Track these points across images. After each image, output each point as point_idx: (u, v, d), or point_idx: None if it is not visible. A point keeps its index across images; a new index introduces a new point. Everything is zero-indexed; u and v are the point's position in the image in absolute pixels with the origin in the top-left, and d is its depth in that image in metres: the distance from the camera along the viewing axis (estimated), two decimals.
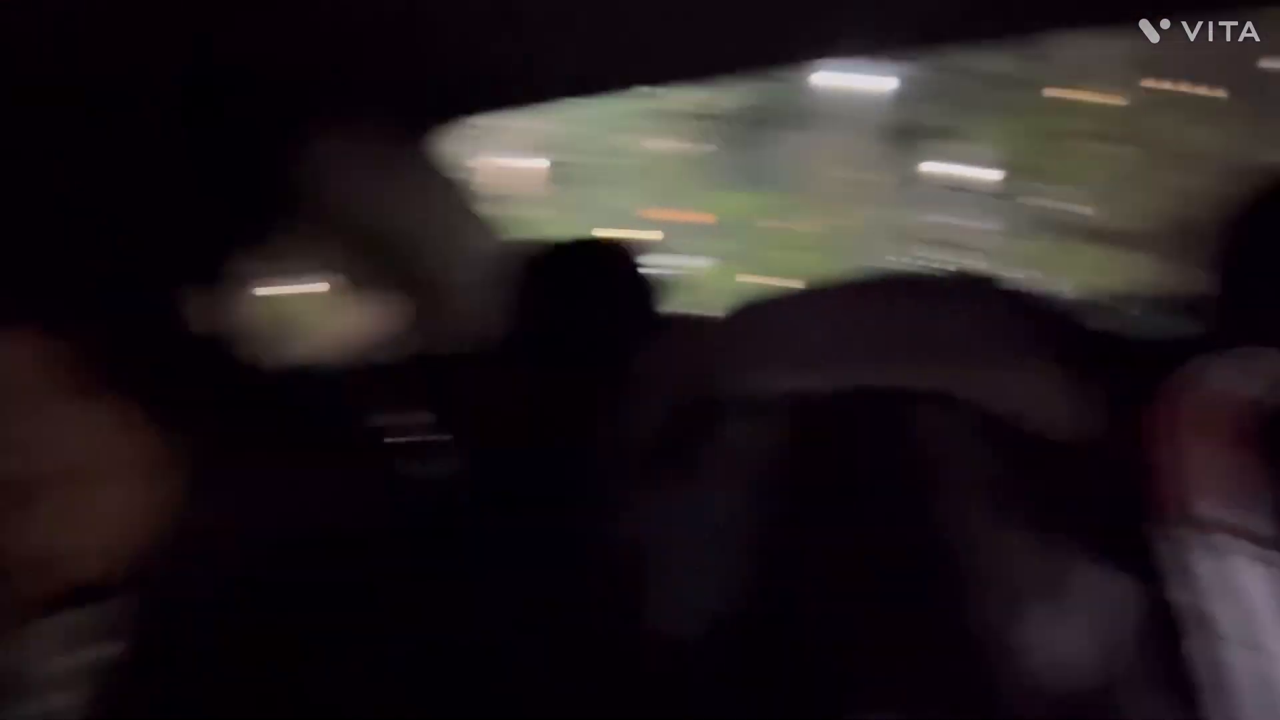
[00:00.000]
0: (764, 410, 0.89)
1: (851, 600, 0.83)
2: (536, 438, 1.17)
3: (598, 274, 1.27)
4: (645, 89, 1.47)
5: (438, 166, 1.55)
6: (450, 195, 1.58)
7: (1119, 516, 0.76)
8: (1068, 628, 0.77)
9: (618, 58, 1.26)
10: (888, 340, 0.88)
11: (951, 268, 1.83)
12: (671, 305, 1.28)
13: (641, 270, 1.28)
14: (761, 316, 0.95)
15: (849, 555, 0.85)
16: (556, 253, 1.32)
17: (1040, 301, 0.89)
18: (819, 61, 1.40)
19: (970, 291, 0.92)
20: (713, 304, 1.01)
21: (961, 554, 0.80)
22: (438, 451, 1.19)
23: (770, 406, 0.89)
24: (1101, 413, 0.82)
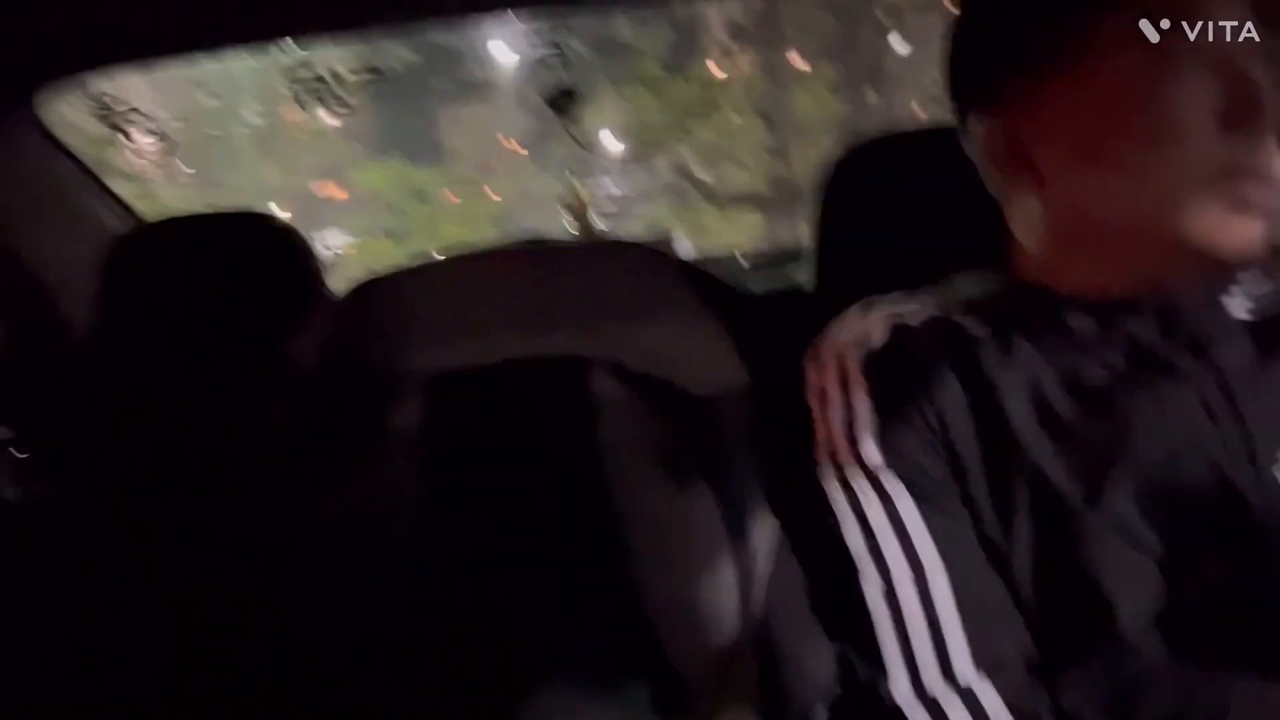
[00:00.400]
0: (421, 389, 0.87)
1: (519, 571, 0.84)
2: (169, 433, 1.07)
3: (236, 253, 1.18)
4: (278, 46, 1.34)
5: (37, 138, 1.35)
6: (57, 172, 1.39)
7: (789, 467, 0.80)
8: (728, 581, 0.81)
9: (246, 6, 1.16)
10: (538, 309, 0.90)
11: (599, 233, 1.89)
12: (317, 286, 1.21)
13: (286, 249, 1.20)
14: (410, 292, 0.93)
15: (517, 527, 0.85)
16: (187, 232, 1.21)
17: (684, 263, 0.94)
18: (460, 19, 1.35)
19: (616, 255, 0.95)
20: (364, 281, 0.97)
21: (624, 516, 0.83)
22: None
23: (427, 385, 0.87)
24: (758, 366, 0.88)
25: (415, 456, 0.87)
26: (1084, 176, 0.71)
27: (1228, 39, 0.65)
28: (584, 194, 1.87)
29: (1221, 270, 0.70)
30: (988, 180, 0.78)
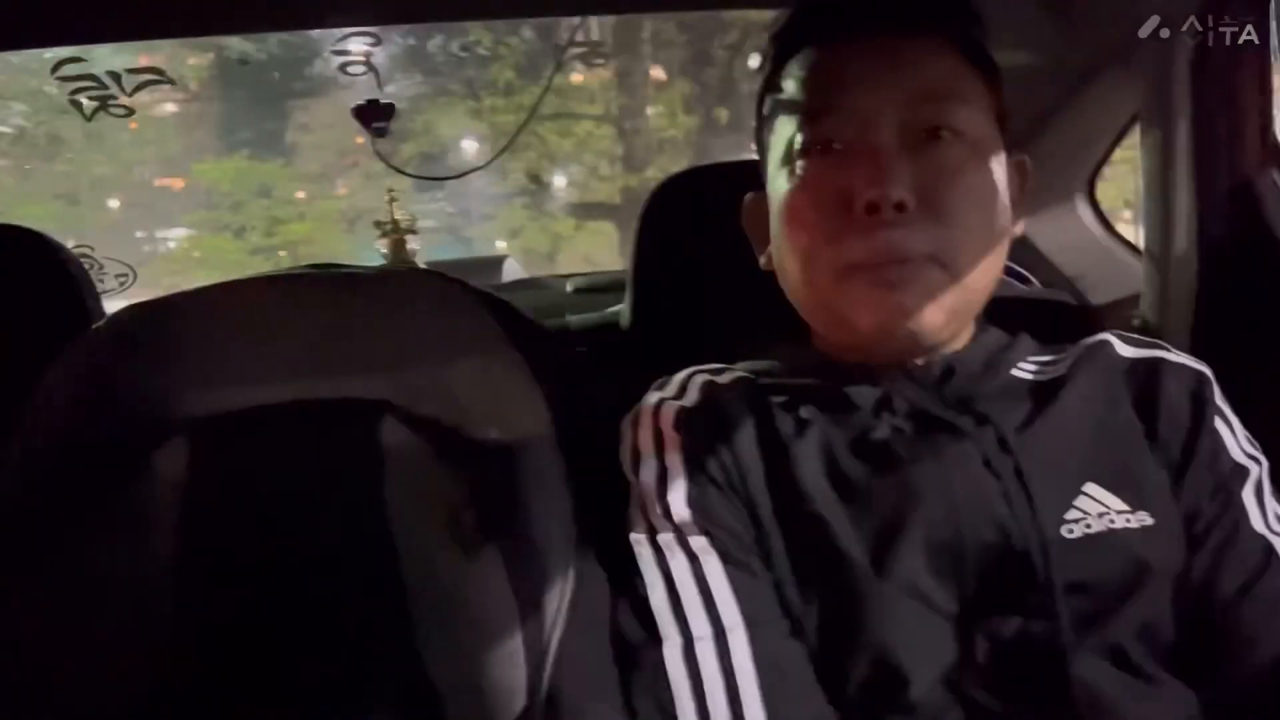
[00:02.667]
0: (185, 433, 0.78)
1: (291, 641, 0.76)
2: None
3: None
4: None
5: None
6: None
7: (596, 525, 0.79)
8: (516, 651, 0.76)
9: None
10: (320, 344, 0.82)
11: (411, 255, 1.80)
12: (82, 311, 1.09)
13: (47, 267, 1.08)
14: (178, 322, 0.83)
15: (291, 591, 0.78)
16: None
17: (487, 297, 0.88)
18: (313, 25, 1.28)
19: (411, 286, 0.89)
20: (192, 278, 0.87)
21: (408, 580, 0.76)
22: None
23: (190, 428, 0.78)
24: (570, 416, 0.83)
25: (176, 510, 0.78)
26: (778, 257, 0.79)
27: (866, 131, 0.71)
28: (399, 213, 1.78)
29: (904, 339, 0.73)
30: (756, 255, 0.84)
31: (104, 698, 0.74)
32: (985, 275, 0.73)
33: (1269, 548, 0.72)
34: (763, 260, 0.82)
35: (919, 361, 0.75)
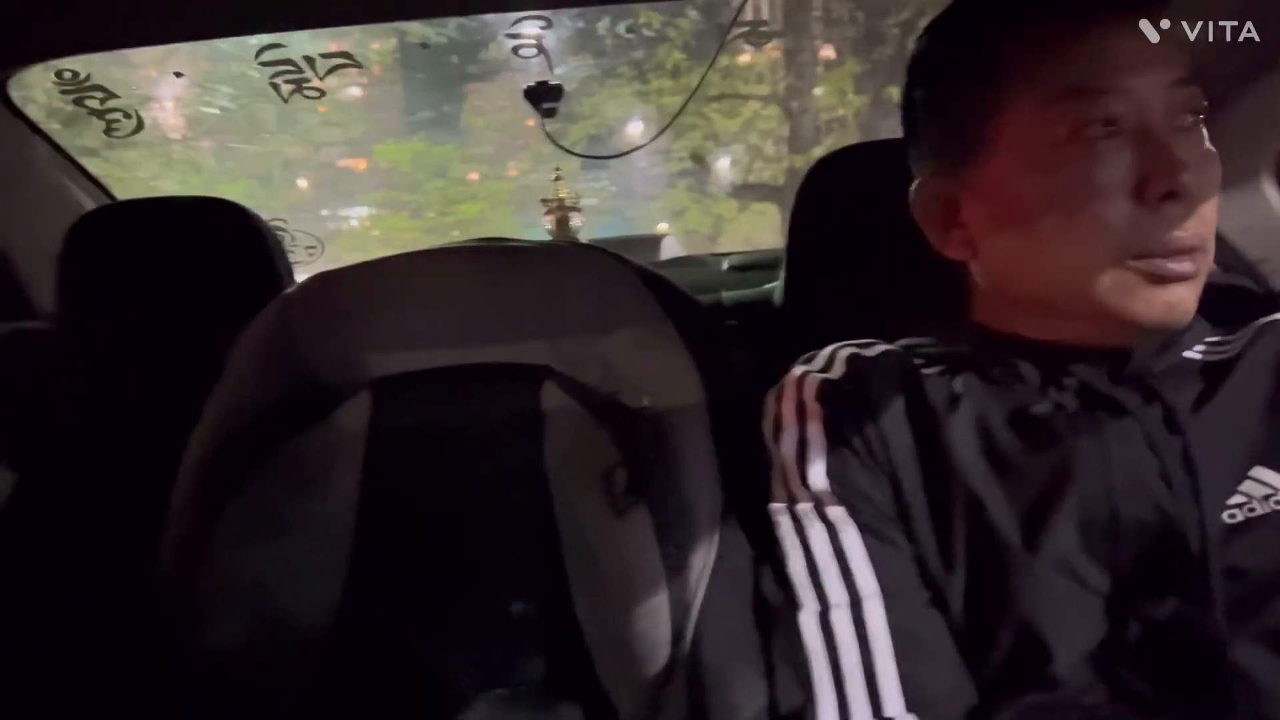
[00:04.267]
0: (365, 391, 0.85)
1: (452, 585, 0.82)
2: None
3: (197, 237, 1.16)
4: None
5: (8, 117, 1.33)
6: (30, 151, 1.37)
7: (741, 492, 0.81)
8: (662, 608, 0.79)
9: None
10: (483, 313, 0.88)
11: (574, 232, 1.85)
12: (277, 275, 1.19)
13: (247, 235, 1.18)
14: (357, 289, 0.90)
15: (453, 540, 0.83)
16: (147, 216, 1.19)
17: (643, 271, 0.91)
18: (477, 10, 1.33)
19: (569, 260, 0.93)
20: (371, 255, 0.96)
21: (562, 535, 0.81)
22: None
23: (369, 387, 0.85)
24: (720, 388, 0.86)
25: (357, 460, 0.85)
26: (1008, 245, 0.73)
27: (1141, 112, 0.67)
28: (564, 191, 1.83)
29: (1162, 333, 0.70)
30: (930, 238, 0.80)
31: (289, 614, 0.82)
32: None
33: None
34: (950, 249, 0.79)
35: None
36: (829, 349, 0.82)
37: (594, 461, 0.83)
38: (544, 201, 1.85)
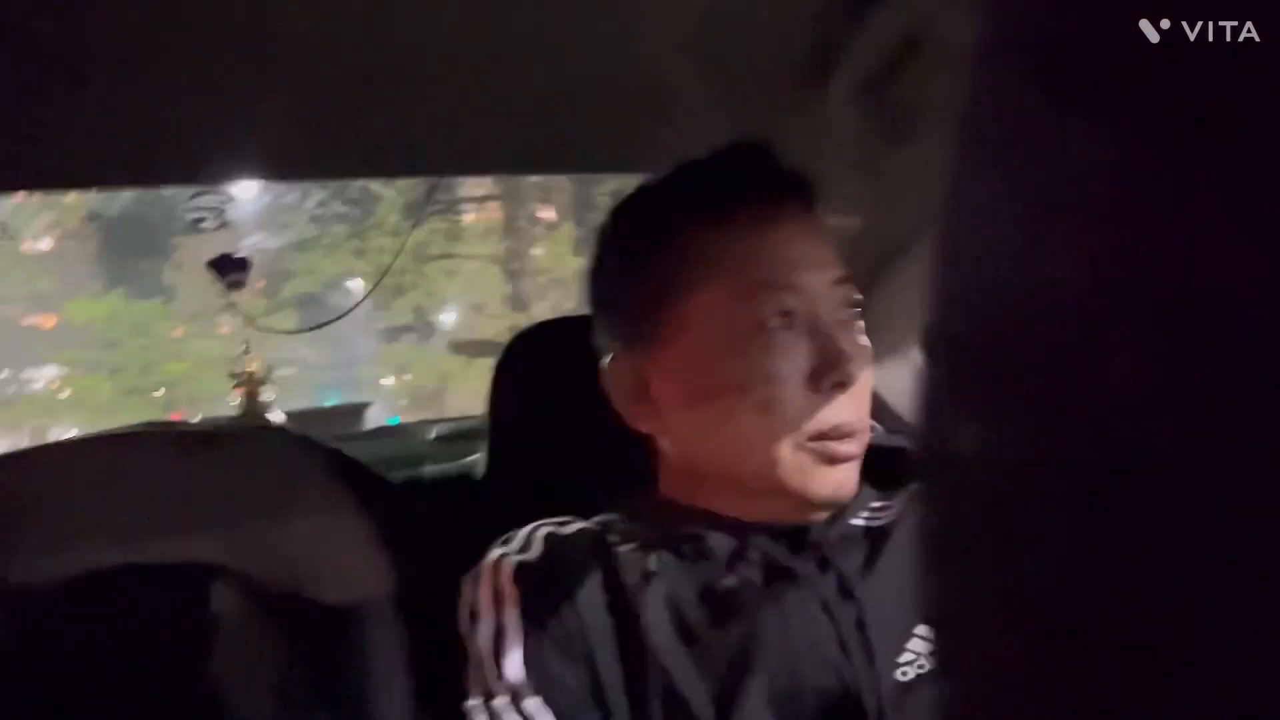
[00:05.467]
0: (13, 599, 0.74)
1: None
2: None
3: None
4: None
5: None
6: None
7: (444, 691, 0.74)
8: None
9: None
10: (160, 508, 0.79)
11: (264, 407, 1.75)
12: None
13: None
14: (13, 487, 0.79)
15: None
16: None
17: (331, 452, 0.86)
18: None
19: (248, 444, 0.86)
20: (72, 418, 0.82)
21: None
22: None
23: (19, 594, 0.74)
24: (414, 578, 0.81)
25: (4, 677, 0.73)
26: (694, 423, 0.75)
27: (812, 304, 0.71)
28: (254, 365, 1.74)
29: (831, 508, 0.73)
30: (620, 412, 0.80)
31: None
32: None
33: None
34: (639, 423, 0.81)
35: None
36: (527, 529, 0.80)
37: (268, 666, 0.75)
38: (232, 375, 1.74)
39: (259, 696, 0.74)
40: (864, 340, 0.74)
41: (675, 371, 0.75)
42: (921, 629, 0.71)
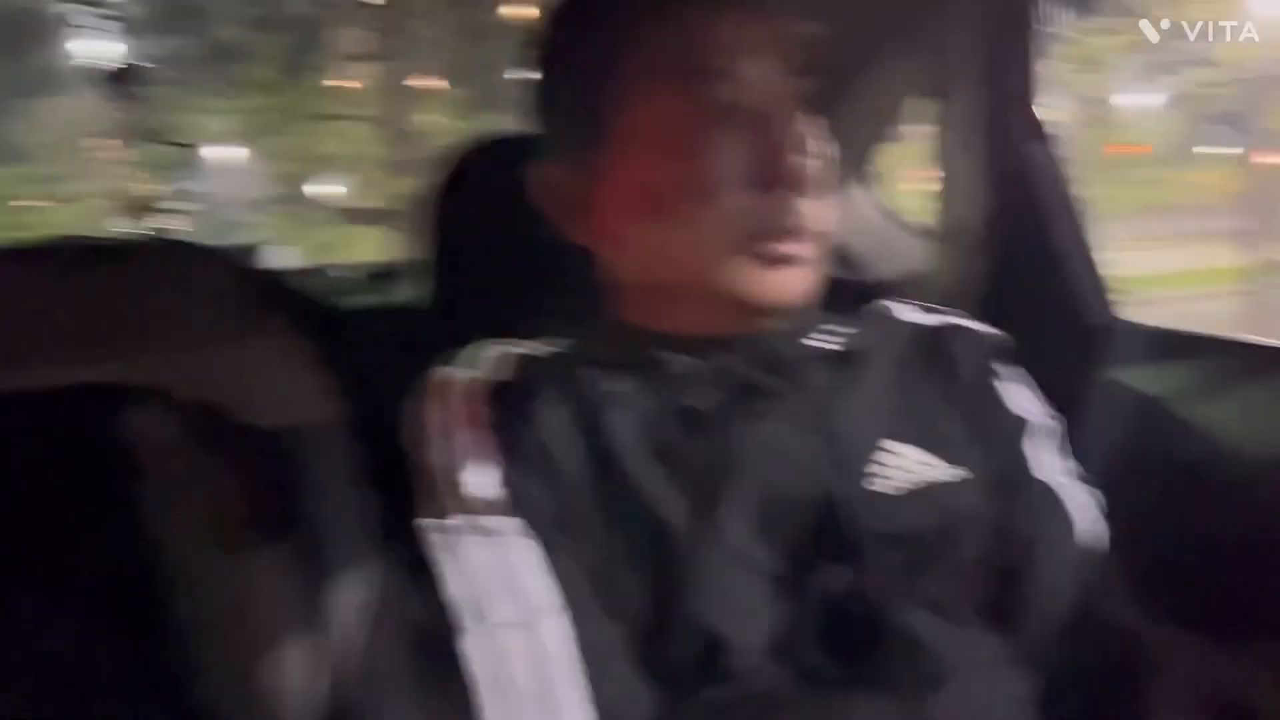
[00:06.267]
0: None
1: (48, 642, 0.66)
2: None
3: None
4: None
5: None
6: None
7: (388, 514, 0.72)
8: (299, 657, 0.69)
9: None
10: (60, 325, 0.71)
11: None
12: None
13: None
14: None
15: (47, 594, 0.67)
16: None
17: (253, 270, 0.79)
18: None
19: (161, 257, 0.78)
20: None
21: (175, 581, 0.68)
22: None
23: None
24: (362, 401, 0.76)
25: None
26: (637, 232, 0.73)
27: (756, 98, 0.69)
28: (143, 190, 1.61)
29: (779, 314, 0.73)
30: (559, 226, 0.78)
31: None
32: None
33: (1049, 492, 0.76)
34: (581, 237, 0.78)
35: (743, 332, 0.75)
36: (478, 348, 0.76)
37: (204, 497, 0.70)
38: (124, 205, 1.60)
39: (193, 527, 0.69)
40: (818, 141, 0.70)
41: (615, 177, 0.73)
42: (900, 446, 0.72)
